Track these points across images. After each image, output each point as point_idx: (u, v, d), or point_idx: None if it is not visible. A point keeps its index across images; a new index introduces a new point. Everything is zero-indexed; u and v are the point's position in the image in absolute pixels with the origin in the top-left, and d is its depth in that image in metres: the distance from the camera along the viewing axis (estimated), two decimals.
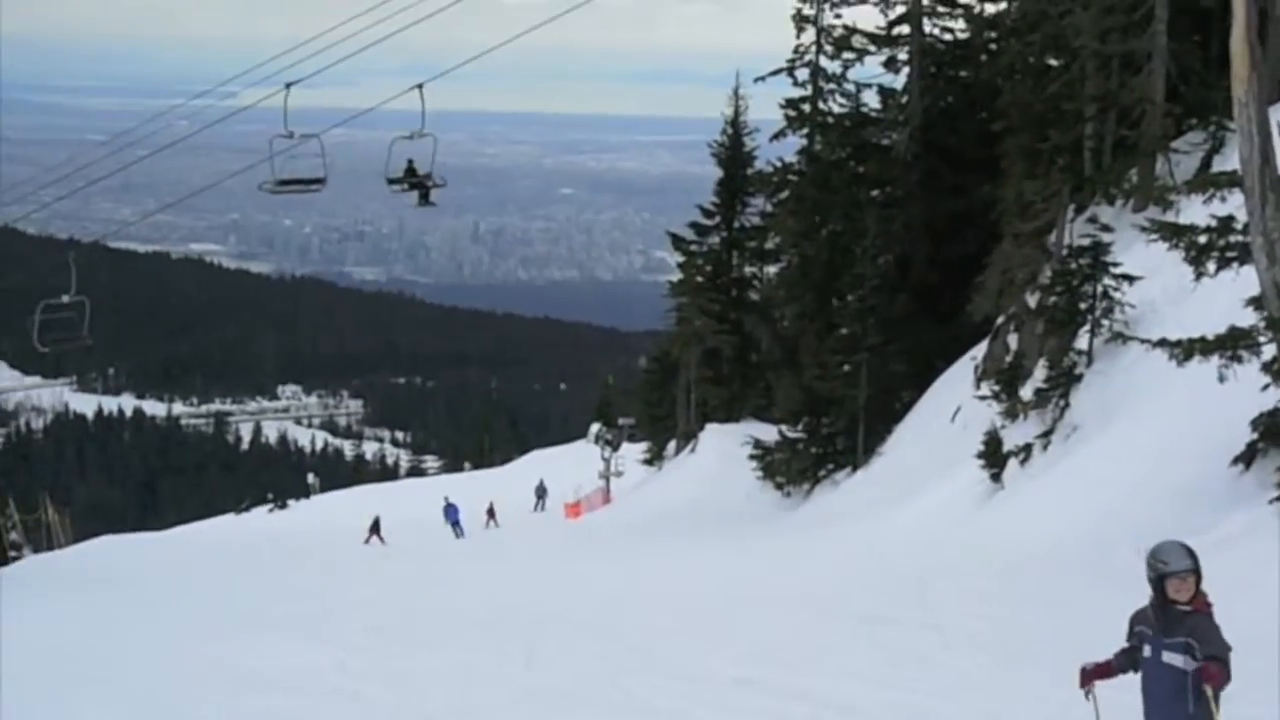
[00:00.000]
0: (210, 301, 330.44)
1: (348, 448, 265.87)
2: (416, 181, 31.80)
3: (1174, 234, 26.35)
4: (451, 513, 71.86)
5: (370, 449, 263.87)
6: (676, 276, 79.00)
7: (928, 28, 60.64)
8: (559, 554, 49.51)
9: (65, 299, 31.73)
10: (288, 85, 29.03)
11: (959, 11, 60.86)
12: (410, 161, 31.63)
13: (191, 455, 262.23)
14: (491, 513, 79.11)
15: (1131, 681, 10.97)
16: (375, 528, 65.56)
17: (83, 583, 44.14)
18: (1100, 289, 37.28)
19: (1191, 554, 10.35)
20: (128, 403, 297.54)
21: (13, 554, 65.20)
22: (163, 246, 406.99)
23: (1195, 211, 28.38)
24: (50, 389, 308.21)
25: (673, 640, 23.39)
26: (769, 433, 59.68)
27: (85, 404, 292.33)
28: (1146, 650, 10.43)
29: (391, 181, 31.41)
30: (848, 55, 63.75)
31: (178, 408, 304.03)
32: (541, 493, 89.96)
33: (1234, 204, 25.36)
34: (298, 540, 66.44)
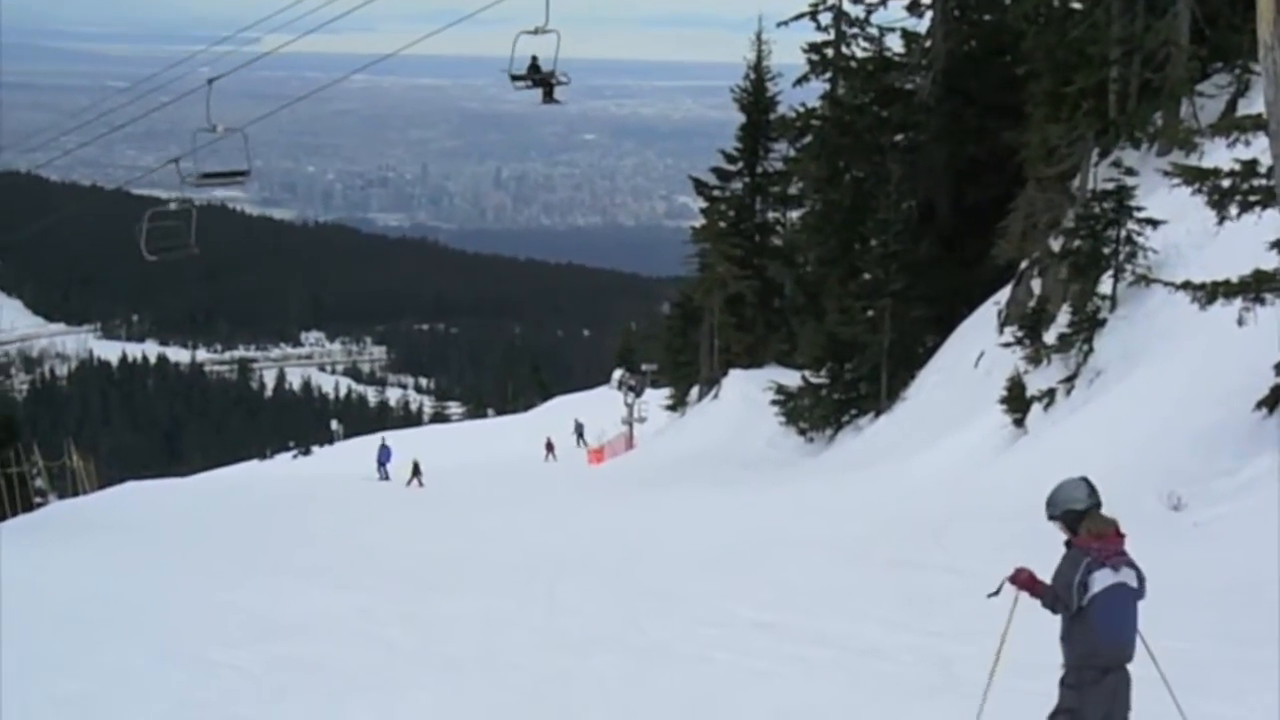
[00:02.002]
0: (234, 248, 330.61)
1: (371, 394, 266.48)
2: (541, 78, 31.42)
3: (1198, 178, 26.22)
4: (384, 454, 73.10)
5: (394, 395, 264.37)
6: (699, 222, 78.89)
7: None
8: (581, 500, 49.57)
9: (172, 206, 31.57)
10: (210, 81, 29.03)
11: None
12: (534, 58, 31.29)
13: (215, 402, 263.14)
14: (550, 446, 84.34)
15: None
16: (416, 470, 66.22)
17: (107, 529, 44.24)
18: (1124, 233, 37.17)
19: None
20: (152, 349, 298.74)
21: (38, 500, 65.38)
22: (186, 193, 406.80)
23: (1219, 155, 28.17)
24: (75, 335, 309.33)
25: (694, 585, 23.42)
26: (792, 378, 59.65)
27: (109, 350, 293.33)
28: (1108, 579, 10.61)
29: (515, 78, 30.99)
30: None
31: (201, 354, 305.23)
32: (580, 430, 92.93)
33: (1258, 147, 25.20)
34: (320, 486, 66.57)
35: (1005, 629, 11.70)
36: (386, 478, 70.74)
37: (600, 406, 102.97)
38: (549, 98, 31.90)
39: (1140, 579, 10.79)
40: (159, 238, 31.95)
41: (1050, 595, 10.89)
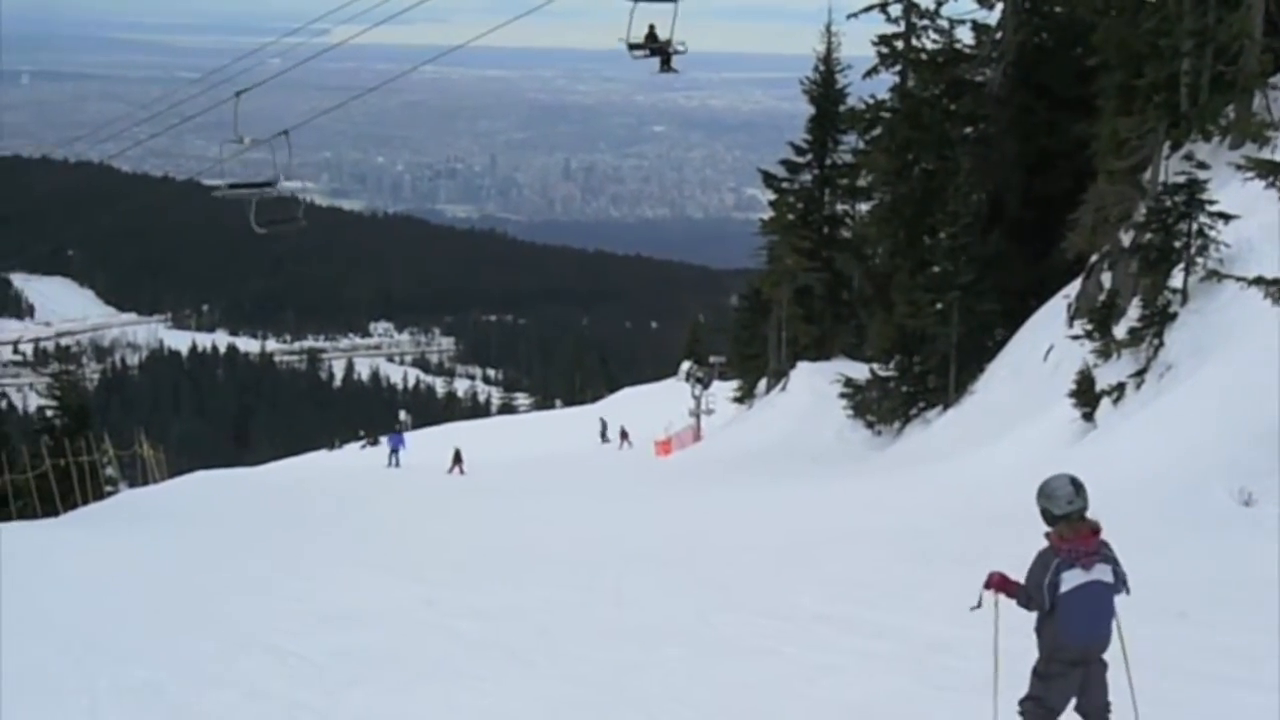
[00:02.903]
0: (303, 239, 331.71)
1: (439, 385, 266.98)
2: (658, 47, 31.23)
3: (1270, 171, 26.14)
4: (394, 440, 77.91)
5: (461, 386, 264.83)
6: (768, 214, 78.76)
7: None
8: (648, 491, 49.61)
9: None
10: (238, 94, 29.14)
11: None
12: (651, 26, 31.16)
13: (284, 392, 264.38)
14: (625, 434, 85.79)
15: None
16: (457, 458, 68.38)
17: (176, 518, 44.54)
18: (1195, 226, 36.91)
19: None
20: (221, 339, 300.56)
21: (108, 489, 65.77)
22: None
23: None
24: (145, 325, 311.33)
25: (761, 578, 23.42)
26: (860, 371, 59.54)
27: (180, 340, 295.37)
28: (1078, 578, 11.12)
29: (632, 47, 30.84)
30: None
31: (271, 344, 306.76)
32: (604, 428, 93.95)
33: None
34: (387, 476, 66.84)
35: (995, 629, 12.18)
36: (397, 465, 73.78)
37: (668, 398, 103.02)
38: (666, 66, 31.64)
39: (1118, 574, 11.24)
40: (267, 211, 32.08)
41: (1023, 595, 11.53)
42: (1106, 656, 11.61)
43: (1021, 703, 11.74)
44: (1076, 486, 11.31)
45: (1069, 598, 11.16)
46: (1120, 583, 11.32)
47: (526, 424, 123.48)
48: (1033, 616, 11.68)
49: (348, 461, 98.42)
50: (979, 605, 11.94)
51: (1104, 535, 11.24)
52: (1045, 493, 11.45)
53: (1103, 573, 11.16)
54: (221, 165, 30.65)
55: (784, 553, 26.20)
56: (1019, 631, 11.92)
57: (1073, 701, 11.66)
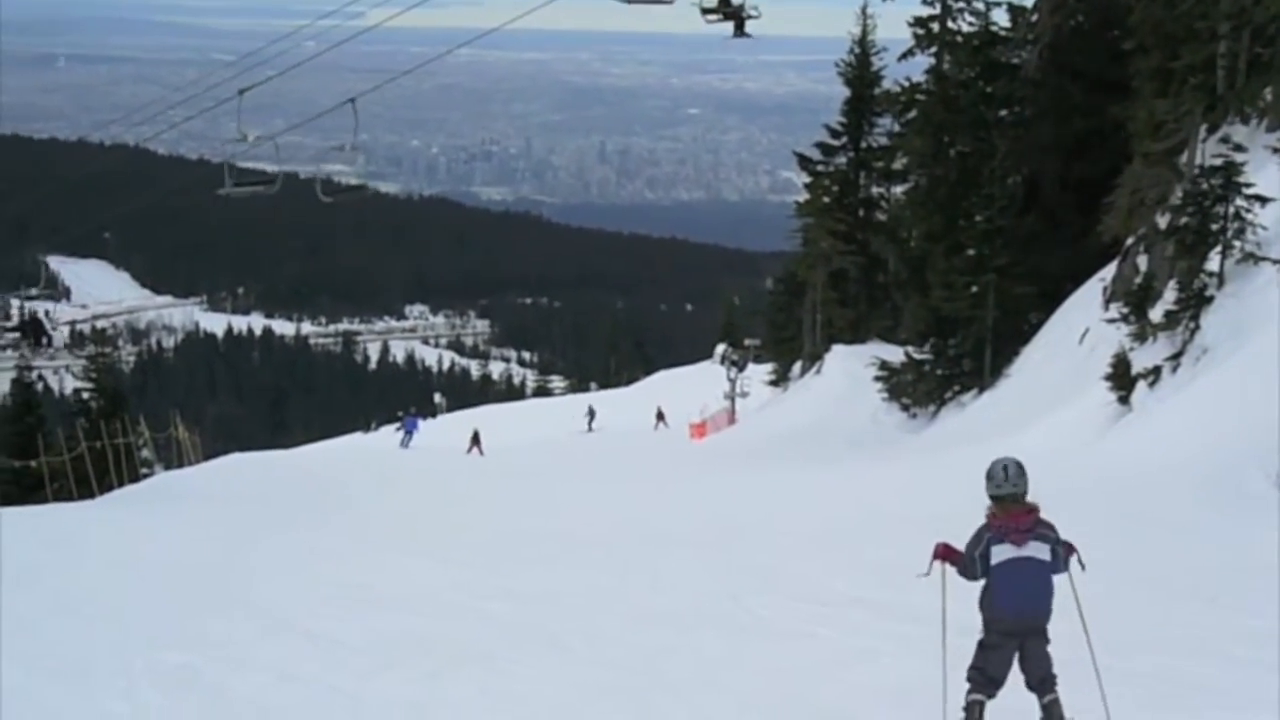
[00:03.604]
0: (338, 221, 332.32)
1: (474, 367, 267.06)
2: (731, 11, 30.84)
3: None
4: (410, 423, 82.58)
5: (497, 369, 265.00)
6: (803, 197, 78.82)
7: None
8: (682, 474, 49.63)
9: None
10: (240, 91, 29.10)
11: None
12: None
13: (319, 374, 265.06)
14: (661, 415, 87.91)
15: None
16: (475, 439, 70.97)
17: (211, 500, 44.66)
18: (1232, 210, 36.80)
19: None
20: (257, 322, 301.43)
21: (143, 471, 65.96)
22: (291, 167, 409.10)
23: None
24: (181, 308, 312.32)
25: (796, 561, 23.41)
26: (895, 354, 59.46)
27: (215, 323, 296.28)
28: (1007, 553, 11.95)
29: (705, 10, 30.50)
30: None
31: (306, 327, 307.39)
32: (591, 415, 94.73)
33: None
34: (421, 459, 67.01)
35: (943, 596, 12.62)
36: (407, 446, 77.17)
37: (703, 381, 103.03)
38: (740, 31, 31.19)
39: (1055, 554, 12.01)
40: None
41: (962, 564, 12.25)
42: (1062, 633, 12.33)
43: (968, 671, 12.30)
44: (1015, 470, 12.22)
45: (999, 571, 11.94)
46: (1058, 561, 12.07)
47: (561, 406, 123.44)
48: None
49: (382, 444, 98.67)
50: (928, 573, 12.52)
51: (1147, 519, 11.53)
52: (987, 474, 12.30)
53: (1036, 550, 11.93)
54: (226, 164, 30.55)
55: (819, 536, 26.20)
56: (1067, 615, 11.98)
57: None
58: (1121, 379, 38.05)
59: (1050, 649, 12.17)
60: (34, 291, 38.88)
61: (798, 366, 79.07)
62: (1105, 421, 37.29)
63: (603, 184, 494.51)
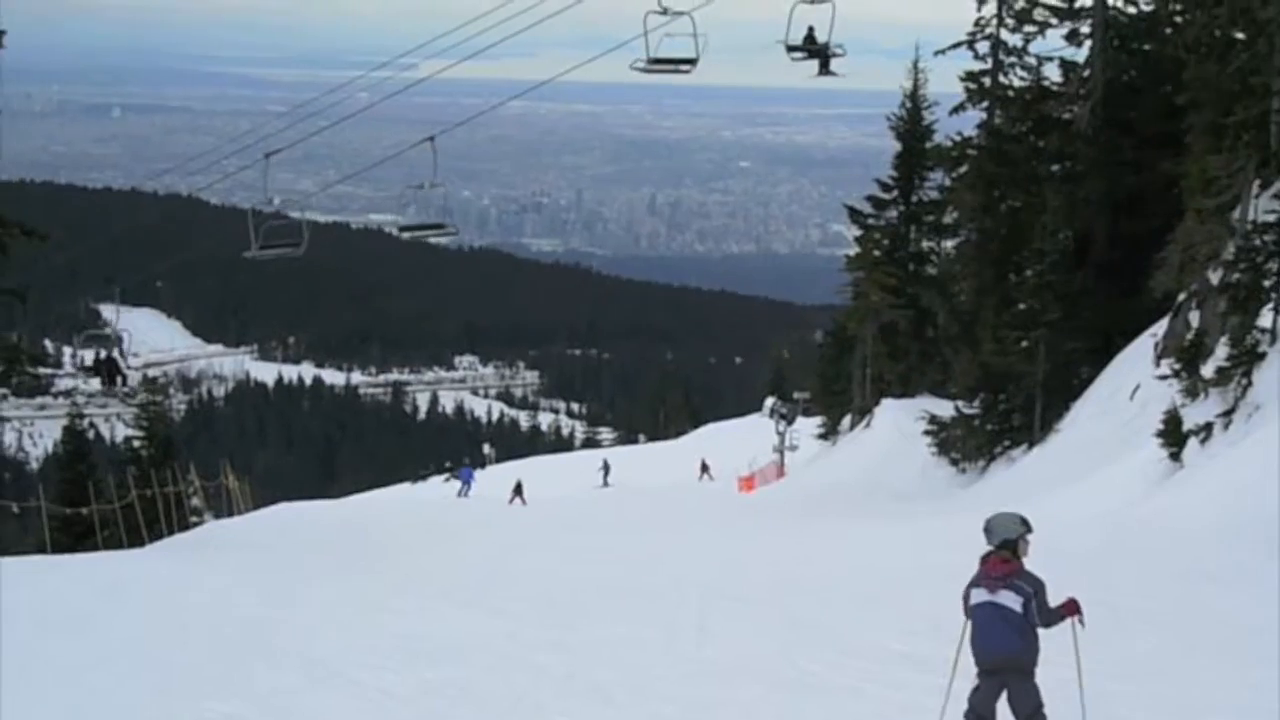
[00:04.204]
0: (389, 272, 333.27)
1: (523, 418, 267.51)
2: (817, 49, 31.02)
3: None
4: (465, 473, 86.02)
5: (545, 420, 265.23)
6: (853, 250, 78.76)
7: (1111, 0, 59.78)
8: (730, 527, 49.57)
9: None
10: (267, 155, 29.22)
11: None
12: (811, 29, 31.01)
13: (369, 424, 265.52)
14: (706, 467, 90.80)
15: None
16: (518, 490, 72.95)
17: (260, 549, 44.75)
18: None
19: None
20: (307, 371, 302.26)
21: (194, 519, 66.12)
22: (342, 217, 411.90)
23: None
24: (232, 357, 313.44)
25: (844, 616, 23.36)
26: (945, 408, 59.30)
27: (266, 372, 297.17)
28: (980, 596, 13.33)
29: (791, 49, 30.65)
30: (1029, 28, 62.94)
31: (356, 377, 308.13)
32: (606, 469, 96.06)
33: None
34: (470, 509, 67.10)
35: (960, 643, 13.90)
36: (467, 495, 79.47)
37: (752, 434, 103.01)
38: (825, 69, 31.44)
39: (1028, 604, 13.10)
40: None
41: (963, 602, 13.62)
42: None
43: (965, 711, 13.53)
44: (1002, 526, 13.72)
45: (973, 612, 13.38)
46: (1031, 612, 13.14)
47: (610, 458, 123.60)
48: None
49: (430, 495, 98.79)
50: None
51: (1197, 576, 11.92)
52: (984, 526, 13.87)
53: (1005, 599, 13.11)
54: (251, 229, 30.64)
55: (867, 590, 26.12)
56: (1116, 674, 11.94)
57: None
58: (1173, 435, 37.85)
59: (1039, 691, 13.23)
60: (106, 330, 38.88)
61: (847, 420, 78.98)
62: (1156, 478, 37.08)
63: (652, 236, 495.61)
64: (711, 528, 49.62)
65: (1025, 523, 13.77)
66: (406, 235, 32.62)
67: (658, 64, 28.66)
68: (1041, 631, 13.29)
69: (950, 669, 14.22)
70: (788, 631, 21.96)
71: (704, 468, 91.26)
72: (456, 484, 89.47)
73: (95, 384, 40.26)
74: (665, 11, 27.55)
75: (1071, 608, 13.45)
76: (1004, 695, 13.33)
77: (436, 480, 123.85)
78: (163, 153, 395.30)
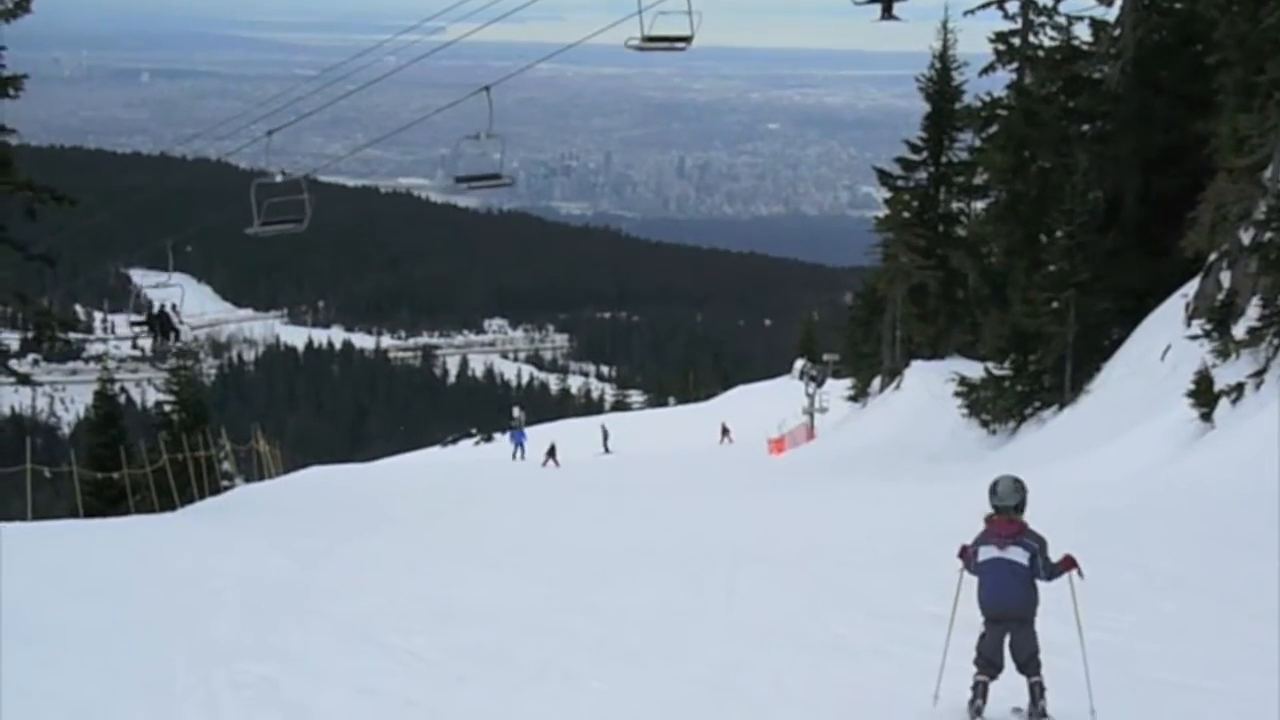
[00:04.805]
0: (418, 236, 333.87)
1: (553, 381, 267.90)
2: None
3: None
4: (517, 435, 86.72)
5: (575, 383, 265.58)
6: (883, 212, 78.62)
7: None
8: (760, 490, 49.55)
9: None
10: (269, 132, 29.25)
11: None
12: None
13: (399, 388, 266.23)
14: (726, 431, 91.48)
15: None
16: (551, 453, 72.81)
17: (291, 513, 44.89)
18: None
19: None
20: (337, 335, 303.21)
21: (224, 484, 66.27)
22: (371, 181, 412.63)
23: None
24: (262, 321, 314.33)
25: (874, 577, 23.35)
26: (975, 370, 59.21)
27: (296, 336, 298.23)
28: (990, 553, 14.21)
29: None
30: None
31: (386, 341, 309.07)
32: (605, 435, 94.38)
33: None
34: (498, 473, 67.18)
35: (957, 591, 14.92)
36: (522, 458, 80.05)
37: (781, 396, 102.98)
38: (888, 14, 31.21)
39: (1034, 559, 13.94)
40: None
41: (966, 562, 14.64)
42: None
43: (973, 657, 14.32)
44: (1007, 489, 14.39)
45: (983, 568, 14.21)
46: (1036, 566, 13.97)
47: (640, 421, 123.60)
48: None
49: (461, 458, 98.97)
50: (960, 574, 14.78)
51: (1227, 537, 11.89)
52: (989, 489, 14.51)
53: (1014, 554, 13.97)
54: (254, 205, 30.65)
55: (897, 551, 26.10)
56: (1147, 634, 11.91)
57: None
58: (1204, 396, 37.75)
59: (1039, 639, 14.06)
60: (168, 279, 38.78)
61: (877, 382, 78.94)
62: (1187, 439, 37.00)
63: (681, 199, 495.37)
64: (741, 491, 49.59)
65: (1025, 487, 14.54)
66: (464, 186, 32.40)
67: (652, 41, 28.66)
68: (1042, 586, 14.11)
69: (948, 624, 15.03)
70: (817, 593, 21.95)
71: (724, 431, 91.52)
72: (487, 446, 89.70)
73: (146, 343, 40.27)
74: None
75: (1069, 562, 14.20)
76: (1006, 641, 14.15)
77: (467, 444, 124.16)
78: (191, 117, 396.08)
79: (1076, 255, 52.56)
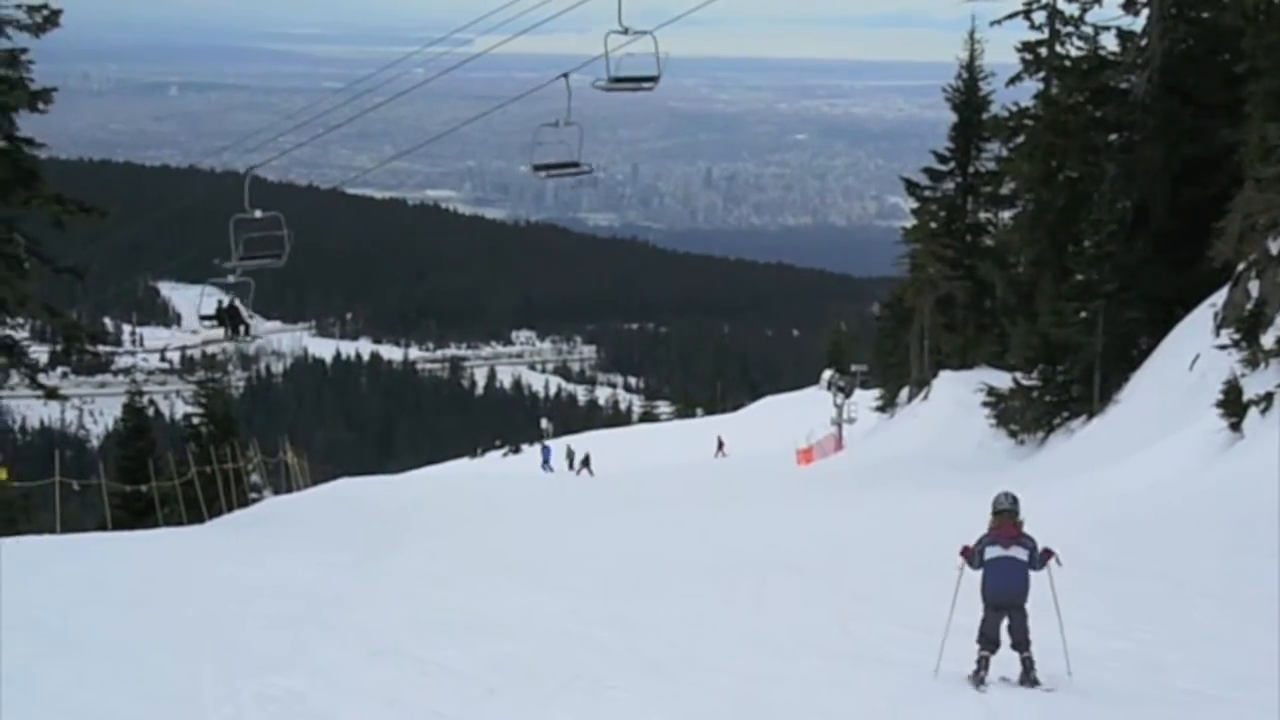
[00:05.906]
0: (446, 247, 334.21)
1: (581, 393, 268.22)
2: None
3: None
4: (546, 453, 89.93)
5: (603, 394, 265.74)
6: (910, 222, 78.58)
7: None
8: (789, 500, 49.56)
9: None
10: (248, 170, 29.47)
11: None
12: None
13: (427, 399, 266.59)
14: (721, 444, 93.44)
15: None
16: (586, 462, 76.13)
17: (319, 525, 44.98)
18: None
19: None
20: (365, 347, 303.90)
21: (253, 496, 66.40)
22: (399, 193, 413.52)
23: None
24: (290, 333, 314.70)
25: (901, 588, 23.34)
26: (1003, 380, 59.13)
27: (324, 348, 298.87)
28: (995, 551, 16.33)
29: None
30: None
31: (414, 352, 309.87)
32: (570, 456, 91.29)
33: None
34: (526, 485, 67.24)
35: (956, 587, 16.86)
36: (551, 469, 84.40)
37: (809, 407, 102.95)
38: None
39: (1032, 555, 16.23)
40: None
41: (969, 559, 16.64)
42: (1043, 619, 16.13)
43: (977, 636, 16.34)
44: (1006, 499, 16.62)
45: (988, 565, 16.32)
46: (1034, 561, 16.24)
47: (667, 432, 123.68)
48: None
49: (489, 469, 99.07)
50: (960, 569, 16.82)
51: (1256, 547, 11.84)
52: (993, 500, 16.73)
53: (1017, 552, 16.22)
54: (232, 239, 30.89)
55: (926, 563, 26.06)
56: (1175, 643, 11.88)
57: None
58: (1233, 405, 37.67)
59: (1029, 621, 16.00)
60: (231, 278, 38.84)
61: (905, 392, 78.92)
62: (1216, 448, 36.94)
63: (709, 210, 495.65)
64: (769, 502, 49.59)
65: (1018, 499, 16.70)
66: (542, 174, 32.67)
67: (619, 82, 29.14)
68: (1032, 575, 16.22)
69: (949, 609, 16.82)
70: (845, 603, 21.99)
71: (719, 445, 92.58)
72: (515, 458, 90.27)
73: (219, 333, 40.36)
74: (626, 31, 27.99)
75: (1048, 554, 16.37)
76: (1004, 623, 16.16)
77: (495, 455, 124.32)
78: (220, 130, 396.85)
79: (1104, 265, 52.47)
